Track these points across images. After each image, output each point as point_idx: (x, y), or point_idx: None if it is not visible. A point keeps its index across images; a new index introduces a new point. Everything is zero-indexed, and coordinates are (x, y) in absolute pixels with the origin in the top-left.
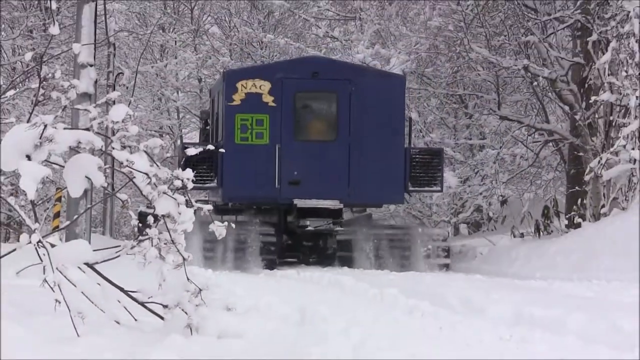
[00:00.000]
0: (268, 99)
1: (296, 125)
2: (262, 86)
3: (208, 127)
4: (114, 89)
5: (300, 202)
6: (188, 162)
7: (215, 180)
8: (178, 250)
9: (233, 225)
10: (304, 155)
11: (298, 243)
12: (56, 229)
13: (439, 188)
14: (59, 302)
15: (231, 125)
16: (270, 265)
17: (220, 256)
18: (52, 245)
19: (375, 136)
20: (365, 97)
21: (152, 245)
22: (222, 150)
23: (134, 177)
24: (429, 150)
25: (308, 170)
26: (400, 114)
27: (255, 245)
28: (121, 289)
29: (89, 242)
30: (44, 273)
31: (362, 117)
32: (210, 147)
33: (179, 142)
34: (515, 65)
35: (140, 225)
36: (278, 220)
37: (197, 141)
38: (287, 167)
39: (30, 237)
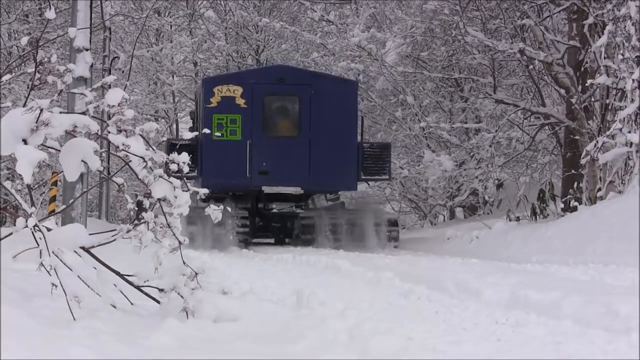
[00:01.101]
0: (240, 102)
1: (264, 124)
2: (236, 90)
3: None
4: (110, 73)
5: (267, 189)
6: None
7: (196, 171)
8: (174, 234)
9: (229, 209)
10: (271, 149)
11: (268, 224)
12: (52, 213)
13: (387, 177)
14: (55, 286)
15: (209, 123)
16: (245, 243)
17: (202, 235)
18: (48, 229)
19: (332, 133)
20: (323, 99)
21: (148, 229)
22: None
23: (130, 160)
24: (379, 144)
25: (275, 162)
26: (353, 113)
27: (232, 226)
28: (117, 273)
29: (85, 226)
30: (40, 257)
31: (320, 116)
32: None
33: (172, 133)
34: (511, 49)
35: (137, 209)
36: (251, 205)
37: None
38: (257, 159)
39: (26, 221)
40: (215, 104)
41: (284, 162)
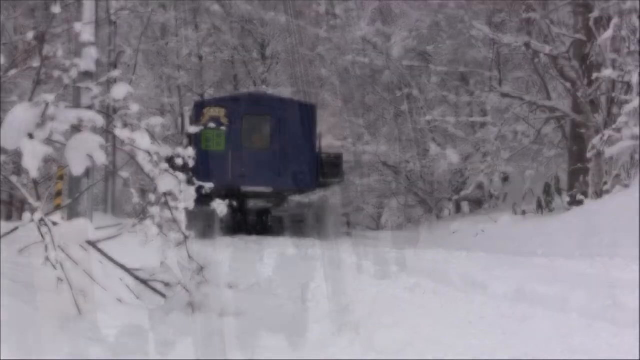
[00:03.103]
0: (224, 120)
1: (243, 138)
2: (220, 111)
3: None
4: (116, 68)
5: (244, 188)
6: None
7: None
8: (179, 228)
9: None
10: (248, 157)
11: (246, 218)
12: (58, 207)
13: (341, 180)
14: (61, 280)
15: (200, 138)
16: (229, 234)
17: (192, 228)
18: (54, 224)
19: (296, 145)
20: (288, 118)
21: (153, 224)
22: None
23: (136, 155)
24: (334, 154)
25: (251, 167)
26: (313, 129)
27: (217, 220)
28: (123, 267)
29: (91, 221)
30: (46, 251)
31: (287, 132)
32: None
33: (177, 128)
34: (517, 42)
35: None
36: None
37: None
38: (237, 165)
39: (32, 215)
40: (204, 122)
41: (258, 168)
